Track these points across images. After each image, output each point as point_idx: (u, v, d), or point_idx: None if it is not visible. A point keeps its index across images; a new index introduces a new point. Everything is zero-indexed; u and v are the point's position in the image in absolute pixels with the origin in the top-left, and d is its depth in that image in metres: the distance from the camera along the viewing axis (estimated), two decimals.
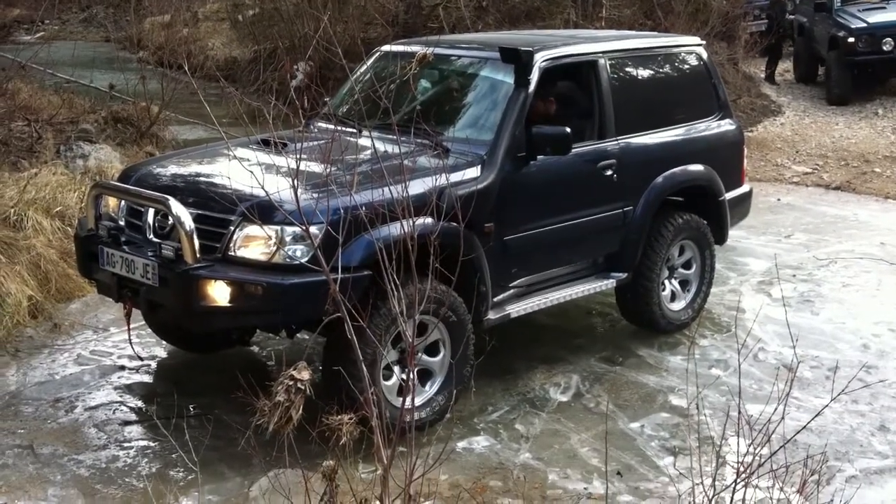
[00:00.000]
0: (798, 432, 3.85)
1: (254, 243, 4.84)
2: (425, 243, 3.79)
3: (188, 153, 6.23)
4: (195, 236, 4.78)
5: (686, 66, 6.94)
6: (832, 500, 3.72)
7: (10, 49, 12.55)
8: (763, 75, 16.93)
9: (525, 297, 5.87)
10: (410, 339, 3.78)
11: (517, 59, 5.73)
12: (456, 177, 5.22)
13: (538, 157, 5.64)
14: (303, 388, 3.75)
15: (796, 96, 16.02)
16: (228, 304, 4.77)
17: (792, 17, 17.92)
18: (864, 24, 15.03)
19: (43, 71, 12.10)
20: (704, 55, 7.00)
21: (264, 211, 4.53)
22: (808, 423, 4.05)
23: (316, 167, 4.64)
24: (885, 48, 14.71)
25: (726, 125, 7.14)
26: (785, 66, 17.54)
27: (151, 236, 5.09)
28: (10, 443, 5.07)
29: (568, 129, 5.59)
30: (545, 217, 5.79)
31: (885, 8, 15.73)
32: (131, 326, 5.48)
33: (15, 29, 20.81)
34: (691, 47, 7.03)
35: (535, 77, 5.77)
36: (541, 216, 5.76)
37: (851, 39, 14.90)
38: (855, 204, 10.58)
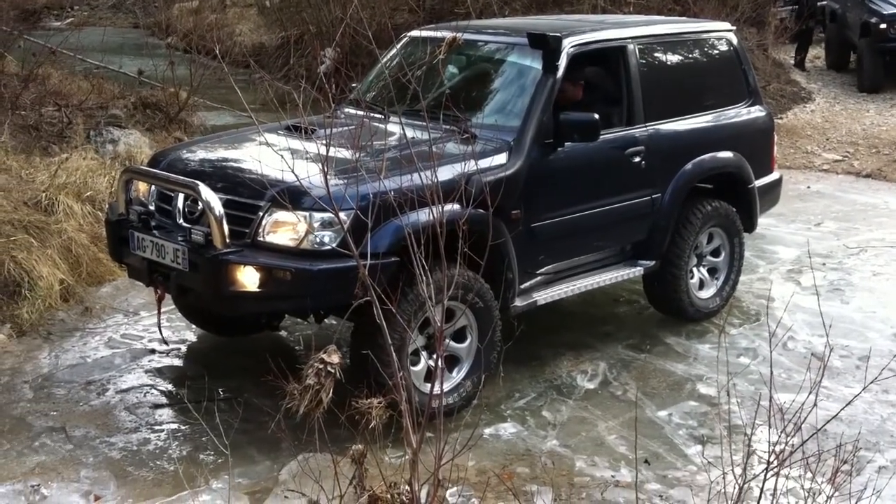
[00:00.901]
0: (829, 421, 3.82)
1: (282, 229, 4.86)
2: (453, 229, 3.80)
3: (217, 138, 6.26)
4: (225, 222, 4.81)
5: (716, 52, 6.89)
6: (863, 490, 3.68)
7: (41, 35, 12.62)
8: (793, 62, 16.75)
9: (552, 284, 5.86)
10: (439, 324, 3.79)
11: (545, 45, 5.71)
12: (484, 163, 5.21)
13: (566, 143, 5.62)
14: (333, 371, 3.77)
15: (826, 83, 15.87)
16: (257, 290, 4.80)
17: (823, 2, 17.65)
18: None
19: (73, 56, 12.18)
20: (734, 41, 6.94)
21: (294, 196, 4.56)
22: (840, 412, 4.03)
23: (344, 153, 4.65)
24: None
25: (756, 112, 7.08)
26: (815, 53, 17.34)
27: (181, 221, 5.12)
28: (43, 425, 5.13)
29: (596, 116, 5.56)
30: (572, 204, 5.77)
31: None
32: (162, 310, 5.53)
33: (45, 15, 20.86)
34: (721, 33, 6.97)
35: (563, 63, 5.75)
36: (568, 203, 5.74)
37: (883, 26, 14.56)
38: (886, 192, 10.48)
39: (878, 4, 15.09)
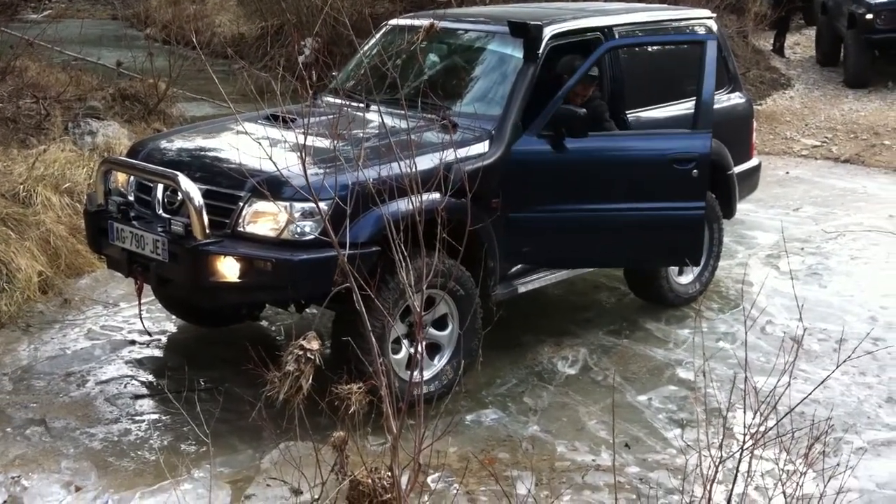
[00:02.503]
0: (802, 401, 3.88)
1: (263, 219, 4.87)
2: (433, 219, 3.81)
3: (197, 128, 6.25)
4: (204, 212, 4.80)
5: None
6: (836, 467, 3.73)
7: (18, 27, 12.55)
8: (772, 48, 16.78)
9: (533, 271, 5.88)
10: (418, 311, 3.81)
11: (526, 33, 5.72)
12: (464, 151, 5.22)
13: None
14: (312, 357, 3.79)
15: (805, 69, 15.91)
16: (238, 280, 4.80)
17: None
18: (884, 0, 13.67)
19: (51, 48, 12.09)
20: (714, 28, 6.97)
21: (273, 186, 4.56)
22: (813, 391, 4.10)
23: (324, 142, 4.65)
24: None
25: (736, 98, 7.12)
26: (795, 40, 17.39)
27: (161, 212, 5.11)
28: (23, 417, 5.13)
29: (583, 111, 5.55)
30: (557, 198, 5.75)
31: None
32: (142, 301, 5.53)
33: (22, 7, 20.73)
34: (702, 20, 7.00)
35: (543, 51, 5.75)
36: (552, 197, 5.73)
37: (870, 16, 13.61)
38: (864, 177, 10.55)
39: None
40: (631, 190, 5.75)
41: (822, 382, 4.20)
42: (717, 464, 3.44)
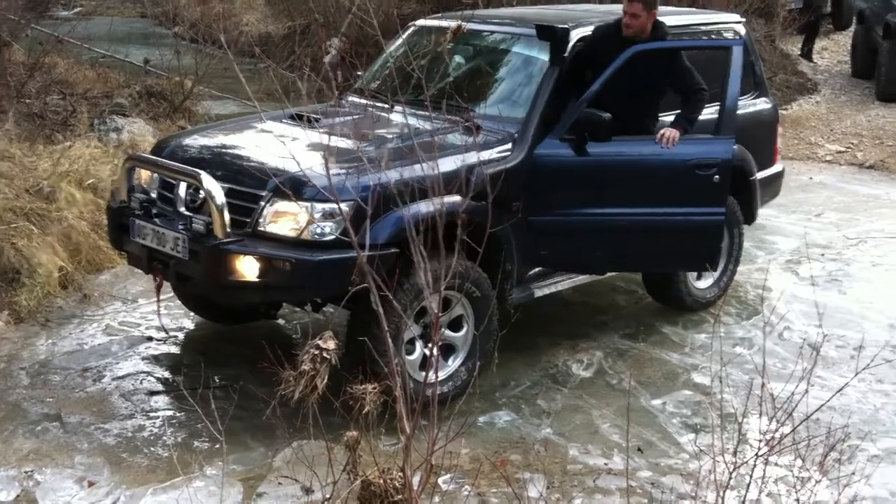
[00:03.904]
0: (818, 409, 3.85)
1: (283, 219, 4.88)
2: (453, 221, 3.82)
3: (221, 127, 6.27)
4: (226, 211, 4.82)
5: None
6: (852, 476, 3.71)
7: (48, 24, 12.66)
8: (799, 53, 16.68)
9: (551, 275, 5.87)
10: (435, 313, 3.81)
11: (553, 36, 5.72)
12: (487, 154, 5.24)
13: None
14: (328, 357, 3.81)
15: (833, 75, 15.82)
16: (257, 279, 4.81)
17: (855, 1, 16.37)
18: None
19: (79, 46, 12.22)
20: (743, 32, 6.93)
21: (295, 186, 4.59)
22: (829, 399, 4.05)
23: (347, 142, 4.67)
24: None
25: (762, 104, 7.10)
26: (822, 45, 17.28)
27: (183, 209, 5.14)
28: (39, 411, 5.17)
29: (608, 115, 5.52)
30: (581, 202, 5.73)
31: None
32: (160, 298, 5.57)
33: (53, 4, 20.91)
34: (730, 24, 6.97)
35: (570, 54, 5.75)
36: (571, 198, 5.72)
37: None
38: (888, 183, 10.47)
39: None
40: (652, 194, 5.73)
41: (840, 391, 4.16)
42: (730, 470, 3.43)
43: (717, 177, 5.69)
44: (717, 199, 5.75)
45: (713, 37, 6.83)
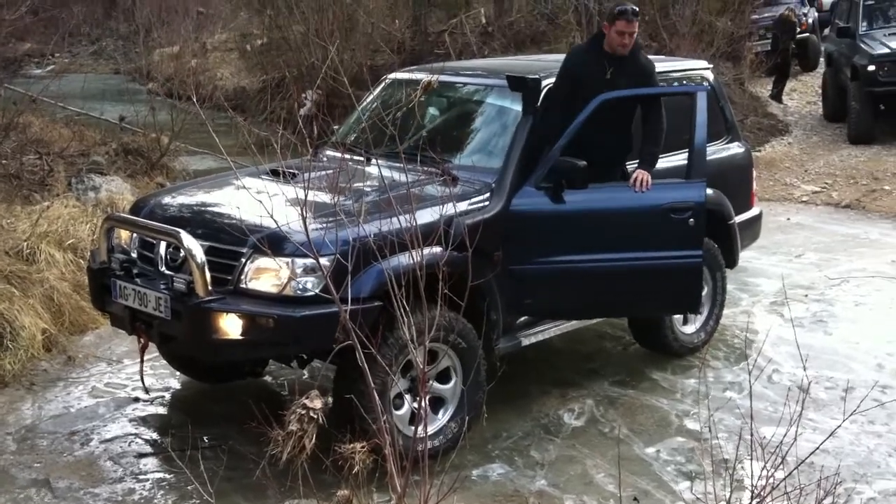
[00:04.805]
0: (812, 453, 3.84)
1: (265, 275, 4.85)
2: (435, 273, 3.81)
3: (198, 184, 6.26)
4: (207, 269, 4.80)
5: None
6: None
7: (22, 83, 12.67)
8: (769, 94, 16.86)
9: (537, 323, 5.86)
10: (421, 366, 3.79)
11: (525, 87, 5.76)
12: (464, 205, 5.24)
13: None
14: (315, 416, 3.77)
15: (803, 115, 16.01)
16: (241, 337, 4.77)
17: (823, 45, 16.58)
18: (887, 51, 13.32)
19: (54, 104, 12.20)
20: (711, 78, 7.02)
21: (275, 242, 4.57)
22: (822, 443, 4.04)
23: (325, 196, 4.66)
24: None
25: (735, 148, 7.15)
26: (791, 86, 17.50)
27: (163, 269, 5.11)
28: (27, 477, 5.08)
29: (583, 163, 5.55)
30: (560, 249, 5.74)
31: None
32: (145, 358, 5.51)
33: (26, 63, 20.98)
34: (698, 71, 7.05)
35: (541, 104, 5.79)
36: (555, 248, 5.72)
37: (872, 67, 13.21)
38: (865, 222, 10.56)
39: (868, 45, 13.77)
40: (630, 240, 5.75)
41: (832, 434, 4.15)
42: None
43: (691, 220, 5.72)
44: (694, 242, 5.78)
45: (684, 83, 6.90)
